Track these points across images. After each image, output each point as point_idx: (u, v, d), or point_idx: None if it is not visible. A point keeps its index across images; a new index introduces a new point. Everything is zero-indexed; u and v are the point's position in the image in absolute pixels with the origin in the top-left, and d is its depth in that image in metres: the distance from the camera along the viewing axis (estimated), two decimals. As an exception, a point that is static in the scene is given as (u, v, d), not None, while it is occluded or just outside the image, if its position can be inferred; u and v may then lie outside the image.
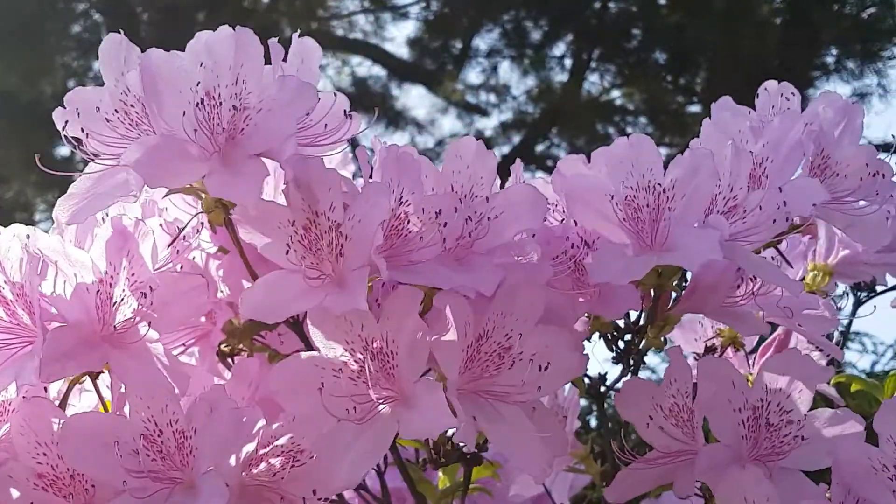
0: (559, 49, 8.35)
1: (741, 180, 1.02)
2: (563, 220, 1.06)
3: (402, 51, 8.76)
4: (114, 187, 0.92)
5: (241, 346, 1.11)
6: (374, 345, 0.88)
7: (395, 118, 8.55)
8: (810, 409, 1.01)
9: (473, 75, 8.69)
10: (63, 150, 7.12)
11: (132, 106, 0.92)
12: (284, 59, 0.96)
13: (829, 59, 7.25)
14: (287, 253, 0.89)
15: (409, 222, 0.92)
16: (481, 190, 0.99)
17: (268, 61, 0.93)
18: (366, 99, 8.16)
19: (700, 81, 7.79)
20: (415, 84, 8.78)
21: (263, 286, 0.90)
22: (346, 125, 0.96)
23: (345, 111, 0.97)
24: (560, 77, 8.34)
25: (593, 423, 3.63)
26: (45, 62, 7.08)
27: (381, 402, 0.88)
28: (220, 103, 0.89)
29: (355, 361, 0.89)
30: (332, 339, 0.89)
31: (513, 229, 0.98)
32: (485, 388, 0.91)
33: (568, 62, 8.31)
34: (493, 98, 8.50)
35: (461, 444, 1.01)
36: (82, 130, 0.92)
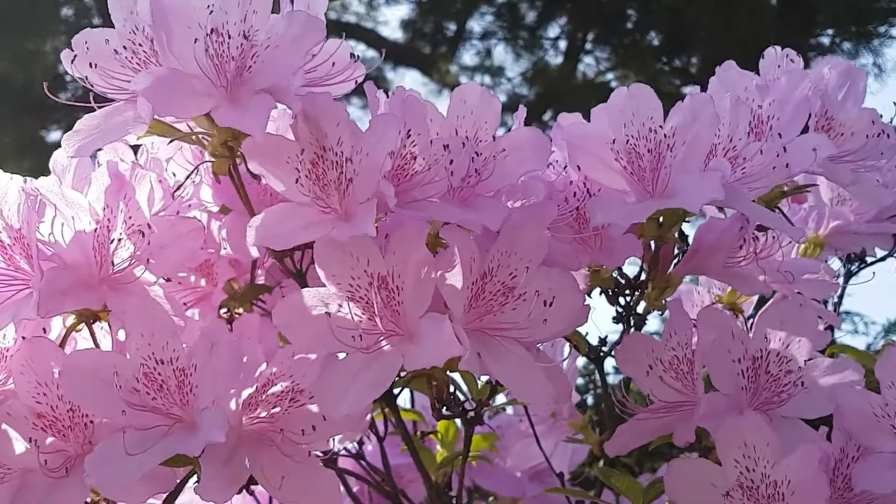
0: (554, 31, 8.34)
1: (741, 130, 1.03)
2: (564, 169, 1.07)
3: (395, 34, 8.75)
4: (121, 123, 0.92)
5: (240, 312, 1.12)
6: (380, 280, 0.89)
7: (390, 101, 8.49)
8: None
9: (468, 57, 8.68)
10: (55, 136, 7.09)
11: (140, 45, 0.93)
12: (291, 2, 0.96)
13: (825, 40, 7.27)
14: (296, 184, 0.90)
15: (414, 161, 0.93)
16: (486, 134, 1.00)
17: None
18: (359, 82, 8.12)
19: (695, 63, 7.78)
20: (409, 67, 8.76)
21: (272, 215, 0.90)
22: (351, 66, 0.97)
23: (350, 54, 0.97)
24: (555, 59, 8.33)
25: (590, 401, 3.66)
26: (35, 47, 7.04)
27: (385, 336, 0.89)
28: (229, 38, 0.89)
29: (360, 297, 0.90)
30: (338, 274, 0.90)
31: (518, 171, 0.99)
32: (489, 326, 0.92)
33: (563, 44, 8.30)
34: (487, 80, 8.47)
35: (462, 401, 1.02)
36: (91, 66, 0.93)
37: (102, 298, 0.94)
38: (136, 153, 1.08)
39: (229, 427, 0.87)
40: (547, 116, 7.77)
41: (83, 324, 0.99)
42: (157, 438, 0.88)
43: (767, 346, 1.01)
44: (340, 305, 0.90)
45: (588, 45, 8.20)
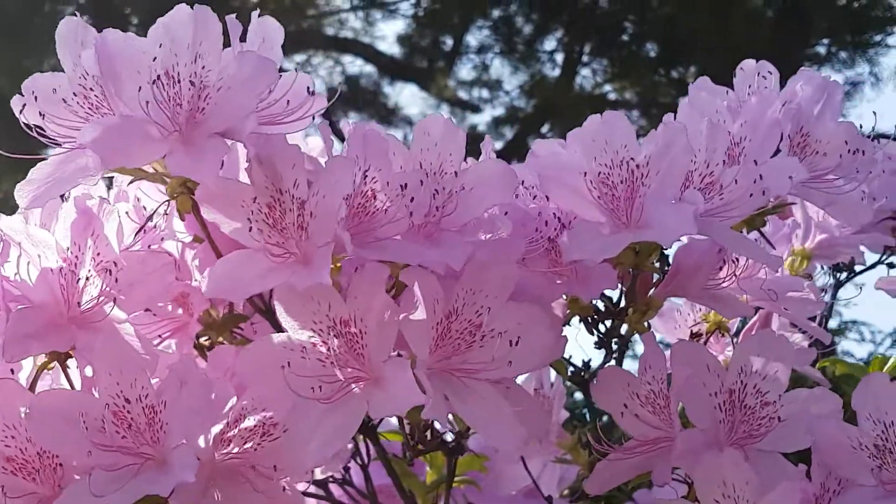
0: (550, 43, 8.35)
1: (717, 156, 1.01)
2: (537, 198, 1.05)
3: (393, 49, 8.76)
4: (74, 171, 0.90)
5: (220, 339, 1.11)
6: (342, 325, 0.87)
7: (388, 116, 8.54)
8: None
9: (465, 71, 8.70)
10: (51, 152, 7.13)
11: (91, 90, 0.91)
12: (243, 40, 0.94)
13: (821, 49, 7.27)
14: (250, 231, 0.88)
15: (375, 199, 0.91)
16: (450, 167, 0.98)
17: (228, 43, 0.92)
18: (357, 97, 8.15)
19: (692, 73, 7.79)
20: (406, 82, 8.78)
21: (227, 264, 0.89)
22: (308, 103, 0.95)
23: (308, 88, 0.95)
24: (552, 72, 8.34)
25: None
26: (32, 64, 7.06)
27: (350, 382, 0.87)
28: (179, 81, 0.87)
29: (323, 342, 0.88)
30: (300, 319, 0.88)
31: (483, 205, 0.97)
32: (456, 366, 0.90)
33: (559, 56, 8.31)
34: (485, 94, 8.51)
35: (442, 432, 1.00)
36: (41, 115, 0.91)
37: (71, 339, 0.93)
38: (110, 183, 1.06)
39: (200, 464, 0.86)
40: (545, 129, 7.79)
41: (55, 362, 0.96)
42: (127, 478, 0.87)
43: (744, 379, 0.99)
44: (303, 351, 0.88)
45: (585, 58, 8.22)
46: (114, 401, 0.89)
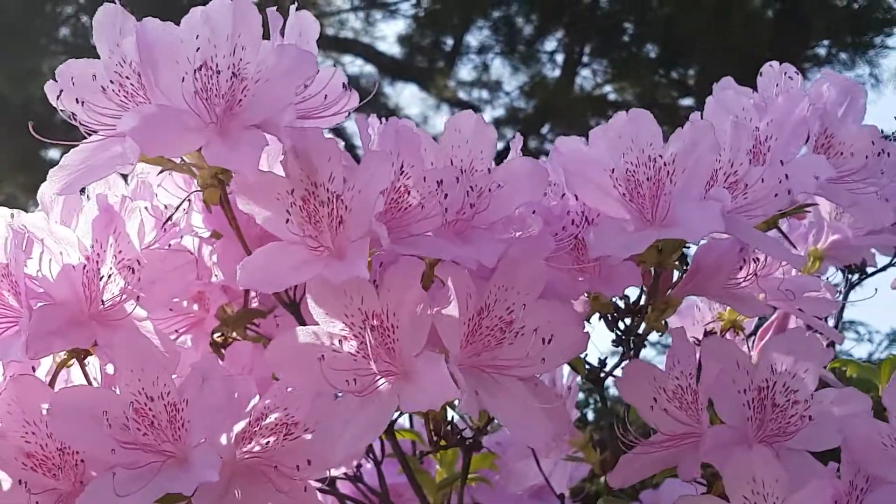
0: (551, 44, 8.33)
1: (742, 155, 1.01)
2: (563, 196, 1.05)
3: (393, 49, 8.74)
4: (109, 159, 0.90)
5: (234, 335, 1.11)
6: (375, 318, 0.87)
7: (388, 116, 8.48)
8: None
9: (465, 72, 8.67)
10: (52, 154, 7.11)
11: (127, 77, 0.91)
12: (282, 32, 0.94)
13: (821, 51, 7.27)
14: (287, 223, 0.88)
15: (409, 195, 0.91)
16: (481, 164, 0.98)
17: (266, 35, 0.91)
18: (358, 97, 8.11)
19: (692, 75, 7.79)
20: (407, 82, 8.76)
21: (262, 256, 0.88)
22: (345, 98, 0.95)
23: (343, 84, 0.95)
24: (552, 72, 8.33)
25: (591, 416, 3.63)
26: (32, 66, 7.05)
27: (381, 376, 0.87)
28: (218, 73, 0.87)
29: (355, 336, 0.88)
30: (332, 313, 0.88)
31: (514, 202, 0.97)
32: (487, 363, 0.90)
33: (560, 57, 8.29)
34: (485, 94, 8.48)
35: (461, 429, 1.00)
36: (77, 101, 0.91)
37: (92, 336, 0.93)
38: (126, 178, 1.06)
39: (222, 463, 0.86)
40: (545, 130, 7.78)
41: (74, 359, 0.97)
42: (149, 476, 0.87)
43: (774, 377, 0.99)
44: (334, 345, 0.88)
45: (585, 58, 8.20)
46: (136, 398, 0.89)
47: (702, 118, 1.08)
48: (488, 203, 0.95)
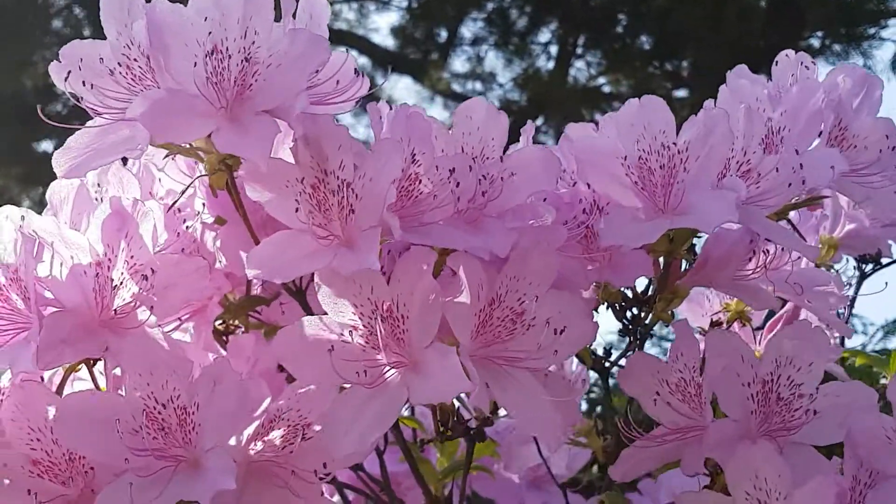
0: (545, 36, 8.32)
1: (755, 143, 1.00)
2: (573, 184, 1.03)
3: (387, 41, 8.72)
4: (116, 143, 0.88)
5: (236, 323, 1.09)
6: (385, 308, 0.86)
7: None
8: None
9: (459, 64, 8.65)
10: (45, 146, 7.09)
11: (135, 60, 0.89)
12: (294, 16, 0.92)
13: (815, 42, 7.25)
14: (296, 212, 0.86)
15: (420, 183, 0.89)
16: (492, 152, 0.97)
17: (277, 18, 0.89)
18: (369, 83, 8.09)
19: (686, 66, 7.78)
20: (401, 74, 8.74)
21: (271, 245, 0.87)
22: (356, 84, 0.93)
23: (355, 70, 0.93)
24: (546, 64, 8.31)
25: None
26: (26, 57, 7.02)
27: (390, 367, 0.86)
28: (229, 56, 0.85)
29: (364, 326, 0.87)
30: (341, 302, 0.87)
31: (526, 191, 0.95)
32: (497, 354, 0.89)
33: (553, 49, 8.28)
34: (479, 86, 8.46)
35: (466, 419, 0.99)
36: (84, 83, 0.88)
37: (103, 345, 0.90)
38: (125, 161, 1.04)
39: (236, 467, 0.84)
40: (539, 122, 7.76)
41: (83, 364, 0.95)
42: (162, 483, 0.85)
43: (778, 370, 0.97)
44: (343, 335, 0.87)
45: (579, 50, 8.18)
46: (146, 402, 0.87)
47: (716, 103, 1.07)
48: (500, 191, 0.93)
